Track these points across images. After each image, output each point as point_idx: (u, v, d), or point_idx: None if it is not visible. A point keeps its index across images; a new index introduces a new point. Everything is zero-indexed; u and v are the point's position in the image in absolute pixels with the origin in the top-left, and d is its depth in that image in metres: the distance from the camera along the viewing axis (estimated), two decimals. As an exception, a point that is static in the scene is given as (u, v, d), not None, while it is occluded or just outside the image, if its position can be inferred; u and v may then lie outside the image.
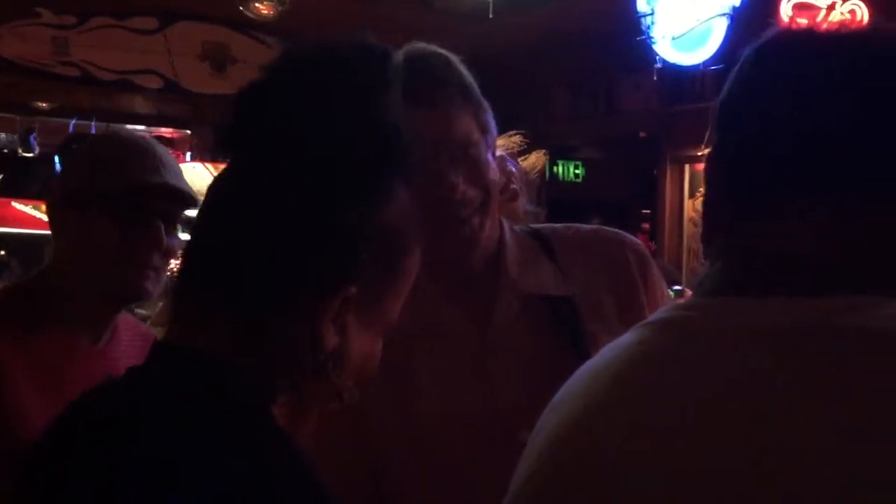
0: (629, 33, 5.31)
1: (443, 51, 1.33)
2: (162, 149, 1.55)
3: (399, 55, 0.89)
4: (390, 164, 0.83)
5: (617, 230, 1.50)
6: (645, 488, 0.67)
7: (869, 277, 0.68)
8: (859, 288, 0.67)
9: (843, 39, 0.73)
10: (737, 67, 0.77)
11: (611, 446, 0.70)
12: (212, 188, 0.86)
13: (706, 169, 0.78)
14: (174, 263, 1.41)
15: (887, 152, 0.69)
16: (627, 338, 0.77)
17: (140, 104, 7.59)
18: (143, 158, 1.49)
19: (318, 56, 0.85)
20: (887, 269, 0.69)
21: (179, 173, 1.54)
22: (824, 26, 0.75)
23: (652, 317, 0.76)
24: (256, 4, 5.45)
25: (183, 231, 1.50)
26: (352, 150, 0.81)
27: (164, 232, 1.49)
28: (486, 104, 1.33)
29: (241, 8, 5.40)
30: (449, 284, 1.36)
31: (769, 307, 0.68)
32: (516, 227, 1.44)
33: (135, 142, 1.53)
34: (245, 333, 0.81)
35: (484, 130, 1.32)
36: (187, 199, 1.52)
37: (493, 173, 1.32)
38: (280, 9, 5.38)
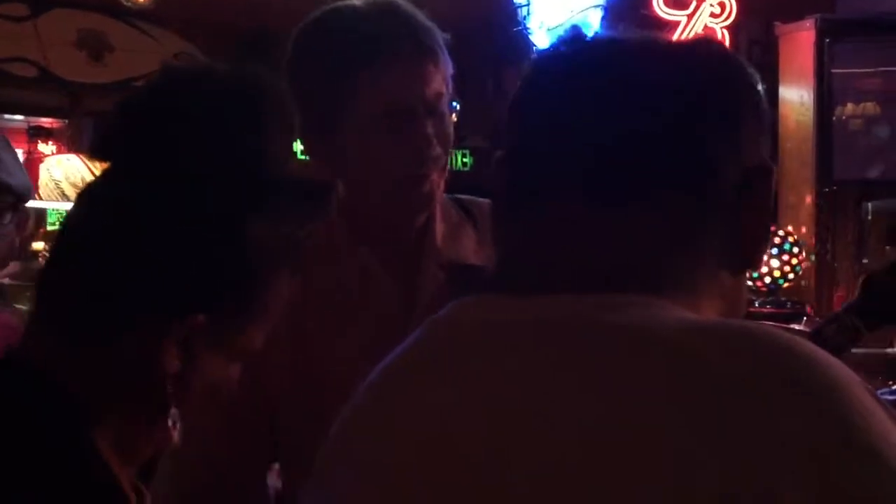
0: (511, 24, 5.37)
1: (406, 3, 1.33)
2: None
3: (281, 85, 0.90)
4: (248, 201, 0.84)
5: None
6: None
7: (631, 276, 0.69)
8: (622, 287, 0.68)
9: (605, 48, 0.77)
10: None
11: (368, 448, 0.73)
12: (79, 195, 0.88)
13: (492, 171, 0.79)
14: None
15: (638, 152, 0.71)
16: (414, 334, 0.78)
17: (14, 93, 7.31)
18: None
19: (192, 84, 0.87)
20: (647, 268, 0.70)
21: (12, 166, 1.51)
22: (596, 37, 0.78)
23: (440, 312, 0.78)
24: (132, -9, 5.31)
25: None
26: (206, 183, 0.82)
27: None
28: (450, 61, 1.34)
29: (115, -5, 5.24)
30: (379, 246, 1.37)
31: (531, 304, 0.69)
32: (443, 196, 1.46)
33: None
34: (76, 350, 0.81)
35: (448, 88, 1.34)
36: (14, 192, 1.50)
37: (452, 130, 1.35)
38: (156, -4, 5.26)
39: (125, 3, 5.33)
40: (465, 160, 8.60)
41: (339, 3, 1.36)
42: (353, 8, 1.33)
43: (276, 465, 1.52)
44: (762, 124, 0.77)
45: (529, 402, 0.64)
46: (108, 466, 0.80)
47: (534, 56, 0.79)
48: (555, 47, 0.78)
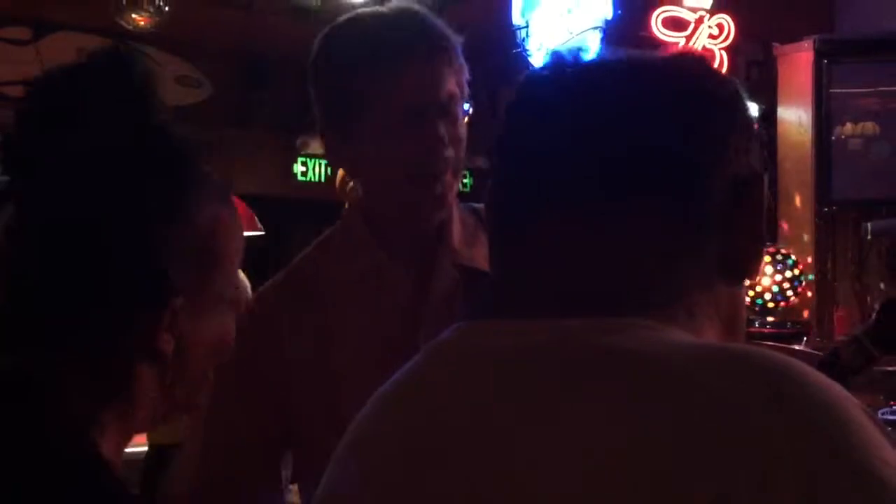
0: (509, 45, 5.40)
1: (426, 10, 1.38)
2: None
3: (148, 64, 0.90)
4: (184, 182, 0.85)
5: None
6: None
7: (626, 297, 0.69)
8: (617, 308, 0.68)
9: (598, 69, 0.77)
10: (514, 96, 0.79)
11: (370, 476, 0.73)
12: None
13: (486, 195, 0.79)
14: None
15: (622, 170, 0.71)
16: (415, 359, 0.78)
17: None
18: None
19: (74, 81, 0.87)
20: (642, 288, 0.70)
21: None
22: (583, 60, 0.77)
23: (440, 336, 0.77)
24: (133, 15, 5.34)
25: None
26: (145, 176, 0.83)
27: None
28: (466, 65, 1.38)
29: (116, 19, 5.28)
30: (394, 244, 1.39)
31: (528, 328, 0.69)
32: (458, 203, 1.48)
33: None
34: (67, 359, 0.81)
35: (462, 91, 1.36)
36: None
37: (465, 133, 1.38)
38: (157, 19, 5.29)
39: (126, 26, 5.36)
40: (464, 181, 8.60)
41: (362, 10, 1.41)
42: (373, 14, 1.38)
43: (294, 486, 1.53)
44: (749, 133, 0.76)
45: (529, 428, 0.64)
46: (112, 471, 0.80)
47: (519, 80, 0.78)
48: (537, 71, 0.79)
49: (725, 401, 0.59)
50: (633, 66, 0.76)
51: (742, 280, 0.77)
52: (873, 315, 1.43)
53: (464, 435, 0.67)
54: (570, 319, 0.68)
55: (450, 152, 1.33)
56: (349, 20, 1.39)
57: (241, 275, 3.92)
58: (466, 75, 1.38)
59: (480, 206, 1.49)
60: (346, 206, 2.64)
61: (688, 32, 5.18)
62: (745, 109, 0.77)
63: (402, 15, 1.35)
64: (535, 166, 0.74)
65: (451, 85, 1.33)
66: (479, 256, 1.40)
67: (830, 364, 1.35)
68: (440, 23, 1.36)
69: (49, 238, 0.82)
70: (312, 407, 1.36)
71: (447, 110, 1.33)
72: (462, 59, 1.37)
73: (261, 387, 1.38)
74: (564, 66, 0.77)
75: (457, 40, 1.36)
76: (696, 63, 0.78)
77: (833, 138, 5.34)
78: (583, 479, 0.60)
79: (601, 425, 0.61)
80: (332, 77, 1.36)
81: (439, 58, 1.32)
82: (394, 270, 1.37)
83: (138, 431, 0.88)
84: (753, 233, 0.74)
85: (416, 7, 1.38)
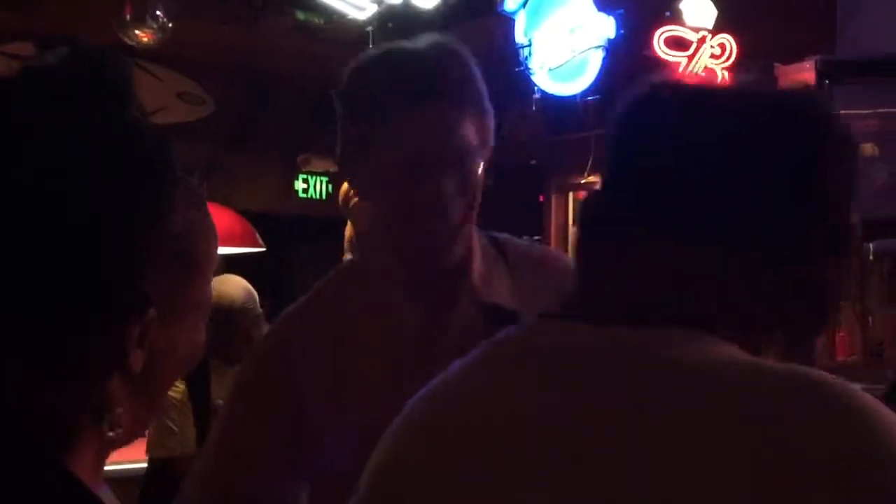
0: (512, 64, 5.41)
1: (461, 49, 1.33)
2: None
3: (126, 62, 0.86)
4: (150, 181, 0.81)
5: (562, 255, 1.57)
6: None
7: (686, 312, 0.71)
8: (676, 322, 0.69)
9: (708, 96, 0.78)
10: (620, 113, 0.80)
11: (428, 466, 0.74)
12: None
13: (583, 199, 0.82)
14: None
15: (710, 196, 0.73)
16: (472, 354, 0.80)
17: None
18: None
19: (42, 81, 0.82)
20: (701, 304, 0.72)
21: None
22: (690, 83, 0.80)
23: (504, 332, 0.79)
24: (136, 32, 5.36)
25: None
26: (129, 182, 0.79)
27: None
28: (491, 110, 1.33)
29: (119, 35, 5.29)
30: (411, 279, 1.39)
31: (592, 333, 0.71)
32: (479, 234, 1.46)
33: None
34: (36, 380, 0.78)
35: (484, 139, 1.32)
36: None
37: (480, 183, 1.34)
38: (160, 35, 5.30)
39: (129, 42, 5.37)
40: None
41: (393, 45, 1.37)
42: (399, 53, 1.33)
43: None
44: (851, 189, 0.76)
45: (581, 429, 0.65)
46: (89, 492, 0.78)
47: (632, 96, 0.79)
48: (653, 90, 0.79)
49: (779, 419, 0.60)
50: (748, 101, 0.77)
51: (820, 329, 0.78)
52: None
53: (515, 428, 0.69)
54: (630, 328, 0.69)
55: (455, 203, 1.29)
56: (374, 56, 1.35)
57: (248, 286, 3.88)
58: (490, 120, 1.33)
59: (501, 235, 1.49)
60: (349, 222, 2.64)
61: (690, 52, 5.19)
62: (854, 167, 0.77)
63: (421, 61, 1.30)
64: (630, 182, 0.76)
65: (463, 134, 1.28)
66: (499, 292, 1.39)
67: None
68: (462, 64, 1.31)
69: (19, 244, 0.77)
70: (324, 435, 1.36)
71: (455, 162, 1.28)
72: (486, 104, 1.32)
73: (275, 411, 1.38)
74: (678, 89, 0.78)
75: (480, 83, 1.32)
76: (818, 111, 0.77)
77: (834, 159, 5.34)
78: (632, 481, 0.61)
79: (652, 432, 0.62)
80: (349, 113, 1.35)
81: (451, 107, 1.28)
82: (404, 302, 1.37)
83: (116, 447, 0.84)
84: (833, 285, 0.75)
85: (442, 47, 1.32)
